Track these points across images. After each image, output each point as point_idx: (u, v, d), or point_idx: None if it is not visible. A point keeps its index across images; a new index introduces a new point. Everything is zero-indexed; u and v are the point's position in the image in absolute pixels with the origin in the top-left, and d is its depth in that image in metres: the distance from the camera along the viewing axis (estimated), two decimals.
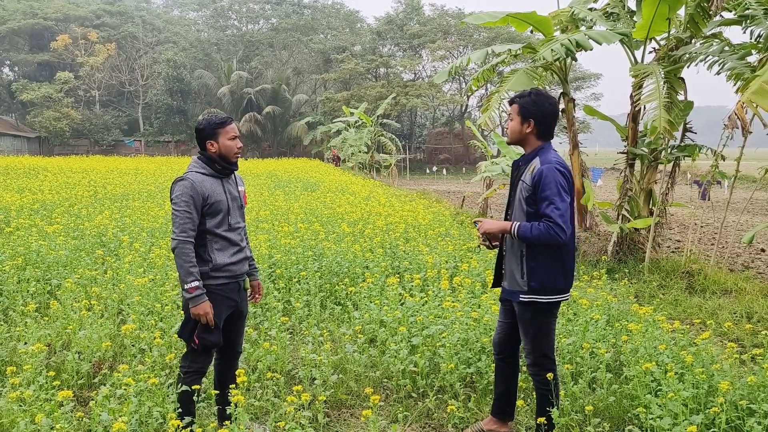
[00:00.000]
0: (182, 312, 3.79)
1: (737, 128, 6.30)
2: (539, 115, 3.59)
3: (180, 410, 3.50)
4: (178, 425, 3.04)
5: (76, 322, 5.24)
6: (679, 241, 12.11)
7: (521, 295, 3.59)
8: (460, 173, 40.22)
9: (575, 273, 3.71)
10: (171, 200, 3.58)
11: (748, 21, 7.82)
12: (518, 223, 3.52)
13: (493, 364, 4.19)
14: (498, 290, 3.97)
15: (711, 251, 10.49)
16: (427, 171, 41.65)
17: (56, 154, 51.26)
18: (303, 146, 52.77)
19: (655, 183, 9.48)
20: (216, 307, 3.62)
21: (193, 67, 58.83)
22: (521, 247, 3.57)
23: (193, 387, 3.55)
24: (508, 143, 3.77)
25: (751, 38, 7.95)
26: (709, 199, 9.99)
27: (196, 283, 3.47)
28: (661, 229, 9.30)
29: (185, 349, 3.72)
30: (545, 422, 3.60)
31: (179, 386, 3.56)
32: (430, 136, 56.21)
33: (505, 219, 3.81)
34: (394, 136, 33.48)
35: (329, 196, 15.22)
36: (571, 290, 3.67)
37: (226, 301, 3.70)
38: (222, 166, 3.68)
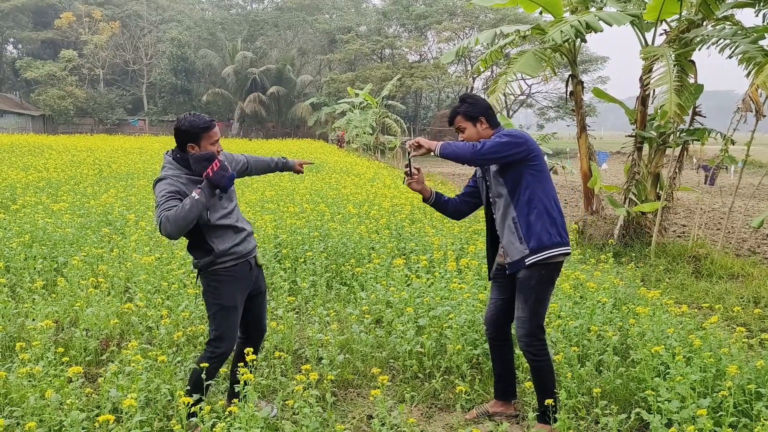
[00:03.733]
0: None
1: (751, 111, 6.23)
2: (482, 110, 3.85)
3: (189, 388, 3.49)
4: (188, 402, 3.05)
5: (83, 300, 5.25)
6: (684, 226, 12.07)
7: (526, 260, 3.68)
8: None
9: (568, 232, 3.81)
10: (156, 200, 3.41)
11: (761, 4, 7.71)
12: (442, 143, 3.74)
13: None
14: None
15: (717, 236, 10.46)
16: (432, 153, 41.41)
17: (60, 132, 51.23)
18: (307, 127, 52.61)
19: (663, 167, 9.43)
20: (231, 289, 3.61)
21: (197, 46, 58.53)
22: (511, 215, 3.73)
23: (214, 372, 3.52)
24: None
25: (763, 21, 7.85)
26: (713, 184, 9.95)
27: (196, 194, 3.31)
28: (667, 213, 9.26)
29: (209, 336, 3.66)
30: (552, 403, 3.61)
31: (199, 367, 3.49)
32: (435, 118, 55.90)
33: (488, 210, 4.01)
34: (398, 118, 33.32)
35: (334, 177, 15.18)
36: (569, 246, 3.77)
37: (240, 282, 3.66)
38: (205, 164, 3.49)
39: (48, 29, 59.58)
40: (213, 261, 3.57)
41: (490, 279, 4.12)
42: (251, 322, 3.86)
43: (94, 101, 57.40)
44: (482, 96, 4.12)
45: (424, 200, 4.09)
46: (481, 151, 3.58)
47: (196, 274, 3.70)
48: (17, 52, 64.33)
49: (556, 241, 3.69)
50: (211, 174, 3.34)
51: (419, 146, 3.74)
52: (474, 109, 3.85)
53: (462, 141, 3.86)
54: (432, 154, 3.70)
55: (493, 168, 3.78)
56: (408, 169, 3.90)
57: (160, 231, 3.29)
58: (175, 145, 3.60)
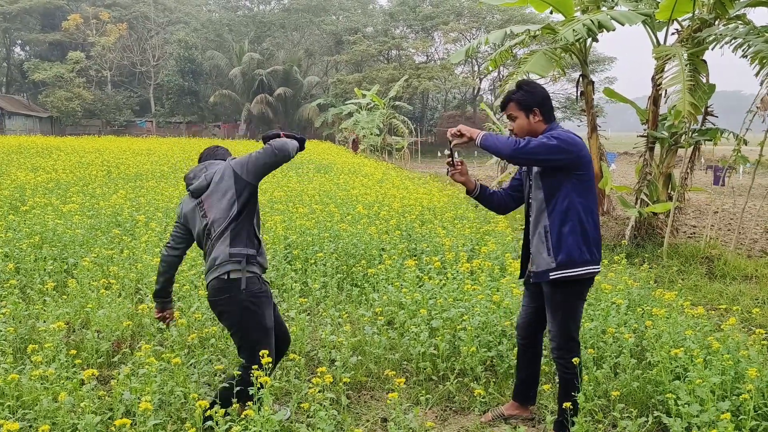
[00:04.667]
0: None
1: None
2: (539, 100, 3.58)
3: (220, 401, 3.41)
4: (204, 406, 3.01)
5: (94, 301, 5.23)
6: (694, 227, 11.98)
7: (550, 273, 3.50)
8: (472, 156, 39.93)
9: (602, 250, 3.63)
10: (251, 156, 3.61)
11: None
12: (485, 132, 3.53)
13: (515, 348, 4.14)
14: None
15: (728, 237, 10.37)
16: (439, 154, 41.38)
17: (68, 134, 51.34)
18: (314, 128, 52.60)
19: (674, 167, 9.36)
20: (269, 310, 3.61)
21: (204, 47, 58.60)
22: (544, 223, 3.53)
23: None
24: None
25: None
26: (723, 185, 9.86)
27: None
28: (678, 214, 9.19)
29: (245, 362, 3.54)
30: (570, 407, 3.54)
31: (234, 382, 3.42)
32: (442, 119, 55.79)
33: (527, 208, 3.76)
34: (406, 119, 33.27)
35: (342, 178, 15.15)
36: (600, 265, 3.57)
37: (271, 300, 3.68)
38: None
39: (56, 31, 59.76)
40: (253, 257, 3.53)
41: (521, 278, 3.93)
42: (279, 334, 3.79)
43: (102, 103, 57.52)
44: (502, 91, 3.97)
45: (468, 192, 3.87)
46: (523, 150, 3.35)
47: (217, 297, 3.55)
48: (25, 54, 64.56)
49: (586, 258, 3.48)
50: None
51: (461, 134, 3.54)
52: (530, 98, 3.58)
53: (511, 130, 3.66)
54: (474, 143, 3.49)
55: (536, 168, 3.56)
56: (450, 159, 3.69)
57: (274, 153, 3.52)
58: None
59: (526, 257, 3.82)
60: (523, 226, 3.85)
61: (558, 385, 3.72)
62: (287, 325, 4.76)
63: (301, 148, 3.70)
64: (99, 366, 4.56)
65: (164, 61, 60.02)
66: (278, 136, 3.64)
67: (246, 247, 3.52)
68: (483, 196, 3.89)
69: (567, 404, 3.52)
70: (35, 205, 9.09)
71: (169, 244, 3.75)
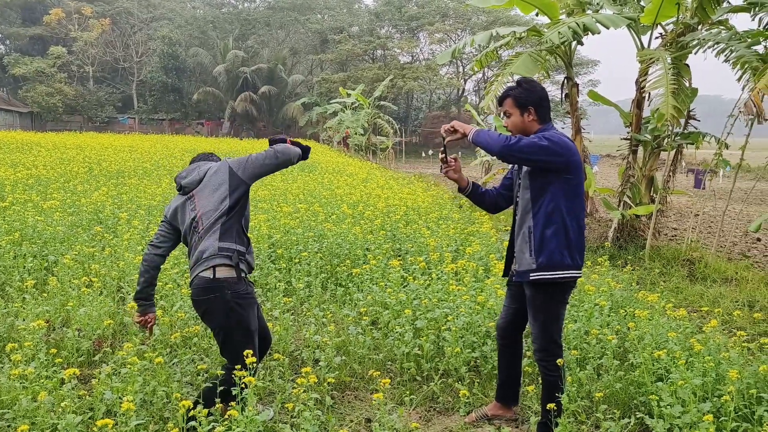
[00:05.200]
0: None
1: (752, 116, 6.23)
2: (536, 99, 3.56)
3: (204, 401, 3.38)
4: (188, 405, 2.98)
5: (75, 299, 5.16)
6: (675, 229, 12.10)
7: (531, 274, 3.50)
8: (456, 155, 40.07)
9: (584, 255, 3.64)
10: (250, 158, 3.61)
11: (757, 8, 7.73)
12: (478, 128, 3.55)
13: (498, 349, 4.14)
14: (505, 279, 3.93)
15: (708, 239, 10.49)
16: (423, 155, 41.44)
17: (49, 129, 50.59)
18: (298, 127, 52.44)
19: (657, 170, 9.45)
20: (253, 311, 3.58)
21: (188, 44, 58.17)
22: (528, 223, 3.53)
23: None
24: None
25: (759, 26, 7.87)
26: (704, 188, 9.97)
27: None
28: (660, 216, 9.28)
29: (228, 363, 3.53)
30: (554, 407, 3.55)
31: (217, 383, 3.40)
32: (427, 120, 55.90)
33: (515, 207, 3.75)
34: (390, 119, 33.27)
35: (327, 177, 15.12)
36: (581, 270, 3.57)
37: (254, 302, 3.63)
38: None
39: (37, 25, 58.98)
40: (243, 254, 3.50)
41: (504, 276, 3.92)
42: (261, 334, 3.74)
43: (84, 98, 56.85)
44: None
45: (460, 190, 3.88)
46: (513, 147, 3.34)
47: (202, 297, 3.48)
48: (5, 48, 63.59)
49: (567, 263, 3.46)
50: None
51: (455, 130, 3.56)
52: (527, 96, 3.55)
53: (505, 126, 3.65)
54: (467, 139, 3.50)
55: (525, 168, 3.55)
56: (444, 156, 3.69)
57: (276, 156, 3.54)
58: None
59: (510, 256, 3.83)
60: (508, 228, 3.87)
61: (541, 387, 3.72)
62: (270, 324, 4.74)
63: (304, 157, 3.70)
64: (80, 365, 4.50)
65: (147, 57, 59.49)
66: (284, 141, 3.64)
67: (235, 243, 3.48)
68: (475, 195, 3.89)
69: (551, 405, 3.52)
70: (15, 201, 8.95)
71: (152, 243, 3.69)
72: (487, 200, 3.93)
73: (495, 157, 3.48)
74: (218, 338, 3.56)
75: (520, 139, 3.38)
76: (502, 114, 3.69)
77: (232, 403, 3.15)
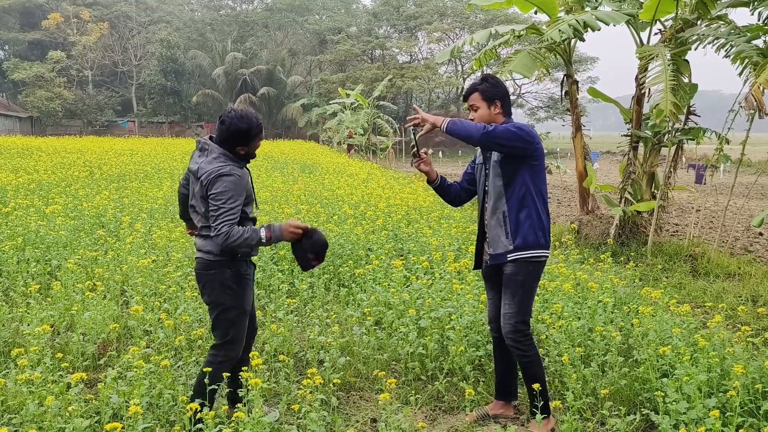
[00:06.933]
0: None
1: (753, 110, 6.23)
2: (501, 94, 3.78)
3: (192, 394, 3.43)
4: (195, 408, 2.99)
5: (79, 303, 5.17)
6: (677, 225, 12.10)
7: (508, 255, 3.68)
8: (456, 155, 40.08)
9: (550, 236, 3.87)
10: (211, 195, 3.36)
11: (757, 2, 7.72)
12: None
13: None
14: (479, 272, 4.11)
15: (710, 235, 10.49)
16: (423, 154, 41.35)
17: (49, 134, 50.76)
18: (298, 128, 52.44)
19: (658, 166, 9.45)
20: (249, 292, 3.62)
21: (187, 47, 58.19)
22: (502, 209, 3.71)
23: (224, 375, 3.44)
24: None
25: (758, 20, 7.86)
26: (704, 183, 9.97)
27: (263, 231, 3.38)
28: (662, 212, 9.28)
29: (214, 340, 3.63)
30: (539, 388, 3.59)
31: (205, 373, 3.45)
32: None
33: (483, 197, 3.91)
34: (390, 119, 33.24)
35: (328, 177, 15.12)
36: (549, 251, 3.80)
37: (252, 284, 3.69)
38: (247, 161, 3.69)
39: (35, 30, 59.01)
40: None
41: (474, 269, 4.15)
42: (249, 322, 3.81)
43: (83, 103, 56.89)
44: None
45: (429, 182, 4.05)
46: (492, 133, 3.53)
47: (203, 271, 3.54)
48: (4, 53, 63.65)
49: (541, 243, 3.71)
50: (314, 265, 3.59)
51: (423, 122, 3.68)
52: (494, 90, 3.77)
53: (471, 120, 3.79)
54: (438, 130, 3.63)
55: (495, 157, 3.73)
56: (415, 149, 3.80)
57: (218, 236, 3.31)
58: (218, 138, 3.59)
59: (480, 248, 4.01)
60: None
61: (522, 371, 3.81)
62: (274, 326, 4.75)
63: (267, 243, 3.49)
64: (85, 369, 4.51)
65: (146, 60, 59.50)
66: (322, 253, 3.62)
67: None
68: (442, 187, 4.08)
69: (536, 385, 3.59)
70: (17, 206, 8.96)
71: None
72: (452, 193, 4.13)
73: (471, 144, 3.57)
74: (211, 313, 3.62)
75: (496, 127, 3.57)
76: (468, 108, 3.86)
77: (239, 405, 3.17)
